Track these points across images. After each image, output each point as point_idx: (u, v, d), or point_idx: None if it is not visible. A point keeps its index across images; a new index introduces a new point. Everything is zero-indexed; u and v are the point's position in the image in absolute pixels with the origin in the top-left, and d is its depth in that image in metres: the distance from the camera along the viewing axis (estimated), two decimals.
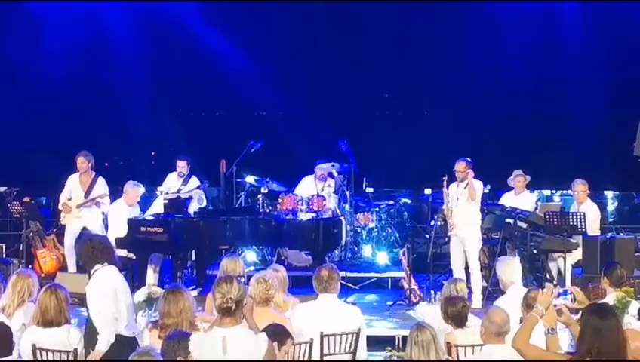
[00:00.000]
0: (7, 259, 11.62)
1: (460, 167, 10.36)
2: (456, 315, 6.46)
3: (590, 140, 13.35)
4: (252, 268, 11.14)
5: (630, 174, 12.56)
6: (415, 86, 14.08)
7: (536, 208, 11.17)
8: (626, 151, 10.63)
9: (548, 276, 10.53)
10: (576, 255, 10.46)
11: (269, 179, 12.51)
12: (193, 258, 11.42)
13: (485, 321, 5.72)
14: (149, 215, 11.06)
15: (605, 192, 14.93)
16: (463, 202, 10.42)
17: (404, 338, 6.99)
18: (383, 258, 12.33)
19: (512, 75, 13.62)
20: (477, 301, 10.03)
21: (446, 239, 10.98)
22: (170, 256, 11.00)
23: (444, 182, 10.47)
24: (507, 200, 11.19)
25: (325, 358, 6.53)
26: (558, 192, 14.46)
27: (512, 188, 11.25)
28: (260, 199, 12.25)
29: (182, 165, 11.52)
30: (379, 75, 14.16)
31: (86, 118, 14.06)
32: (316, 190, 11.92)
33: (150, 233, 10.49)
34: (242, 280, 5.78)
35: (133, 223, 10.54)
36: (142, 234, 10.48)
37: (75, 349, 6.30)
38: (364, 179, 12.78)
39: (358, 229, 12.62)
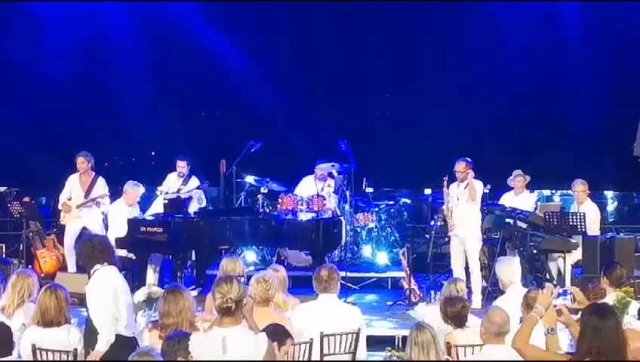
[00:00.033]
0: (7, 259, 11.62)
1: (460, 167, 10.36)
2: (455, 315, 6.46)
3: (590, 140, 13.34)
4: (252, 268, 11.15)
5: (630, 174, 12.56)
6: (415, 86, 14.07)
7: (536, 208, 11.18)
8: (626, 151, 10.63)
9: (548, 276, 10.53)
10: (576, 255, 10.47)
11: (269, 179, 12.51)
12: (193, 258, 11.42)
13: (485, 321, 5.73)
14: (149, 215, 11.06)
15: (605, 192, 14.93)
16: (463, 202, 10.42)
17: (404, 338, 6.98)
18: (382, 258, 12.33)
19: (512, 75, 13.61)
20: (477, 301, 10.03)
21: (446, 239, 10.98)
22: (170, 256, 11.01)
23: (445, 182, 10.46)
24: (507, 200, 11.19)
25: (325, 358, 6.53)
26: (558, 192, 14.46)
27: (512, 188, 11.25)
28: (260, 199, 12.25)
29: (182, 165, 11.53)
30: (379, 75, 14.15)
31: (86, 118, 14.05)
32: (316, 190, 11.92)
33: (150, 233, 10.49)
34: (242, 280, 5.78)
35: (133, 223, 10.55)
36: (142, 234, 10.48)
37: (75, 349, 6.30)
38: (364, 179, 12.78)
39: (358, 229, 12.62)
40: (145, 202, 11.55)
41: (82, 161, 11.25)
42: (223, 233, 10.61)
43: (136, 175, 11.61)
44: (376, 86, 14.33)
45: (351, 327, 6.63)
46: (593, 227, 10.58)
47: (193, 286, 10.39)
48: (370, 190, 13.18)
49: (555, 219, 10.40)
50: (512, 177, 11.24)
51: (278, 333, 5.45)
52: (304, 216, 10.80)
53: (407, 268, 10.54)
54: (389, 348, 6.50)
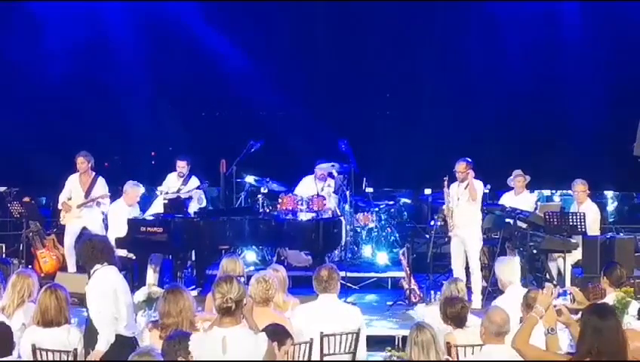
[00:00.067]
0: (7, 259, 11.62)
1: (460, 167, 10.36)
2: (455, 316, 6.45)
3: (590, 140, 13.34)
4: (252, 268, 11.15)
5: (630, 174, 12.56)
6: (415, 86, 14.07)
7: (536, 208, 11.18)
8: (626, 151, 10.63)
9: (548, 276, 10.54)
10: (576, 255, 10.47)
11: (269, 179, 12.51)
12: (193, 258, 11.42)
13: (485, 321, 5.72)
14: (149, 215, 11.06)
15: (605, 192, 14.93)
16: (463, 202, 10.42)
17: (404, 338, 6.99)
18: (382, 258, 12.33)
19: (512, 75, 13.61)
20: (477, 301, 10.04)
21: (446, 239, 10.98)
22: (170, 256, 11.01)
23: (445, 182, 10.46)
24: (507, 200, 11.19)
25: (325, 358, 6.53)
26: (558, 192, 14.46)
27: (512, 188, 11.25)
28: (260, 199, 12.25)
29: (182, 165, 11.53)
30: (379, 75, 14.15)
31: (86, 118, 14.05)
32: (316, 190, 11.92)
33: (150, 233, 10.49)
34: (242, 280, 5.78)
35: (133, 223, 10.55)
36: (142, 234, 10.48)
37: (75, 349, 6.30)
38: (364, 179, 12.78)
39: (358, 229, 12.62)
40: (145, 202, 11.55)
41: (82, 161, 11.25)
42: (223, 233, 10.61)
43: (136, 175, 11.61)
44: (377, 86, 14.32)
45: (351, 327, 6.63)
46: (593, 227, 10.58)
47: (193, 286, 10.39)
48: (370, 190, 13.18)
49: (555, 219, 10.40)
50: (512, 177, 11.24)
51: (278, 333, 5.45)
52: (304, 216, 10.80)
53: (407, 268, 10.54)
54: (389, 348, 6.50)
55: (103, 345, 6.38)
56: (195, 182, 11.58)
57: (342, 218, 11.55)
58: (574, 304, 6.25)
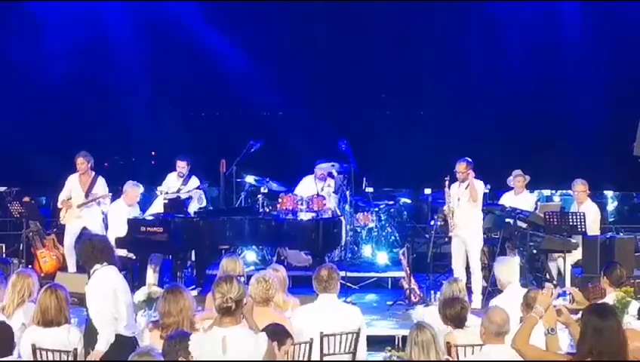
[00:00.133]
0: (7, 258, 11.59)
1: (460, 167, 10.35)
2: (455, 317, 6.44)
3: (590, 140, 13.35)
4: (252, 268, 11.14)
5: (630, 174, 12.56)
6: (415, 86, 14.08)
7: (536, 208, 11.18)
8: (626, 151, 10.62)
9: (548, 276, 10.54)
10: (576, 255, 10.46)
11: (269, 179, 12.51)
12: (193, 258, 11.41)
13: (485, 321, 5.72)
14: (149, 215, 11.05)
15: (605, 192, 14.93)
16: (464, 202, 10.41)
17: (404, 338, 6.98)
18: (382, 258, 12.33)
19: (512, 75, 13.62)
20: (477, 301, 10.03)
21: (446, 239, 10.98)
22: (170, 256, 11.00)
23: (446, 183, 10.46)
24: (507, 200, 11.19)
25: (325, 358, 6.53)
26: (558, 192, 14.46)
27: (512, 188, 11.25)
28: (260, 199, 12.24)
29: (182, 165, 11.52)
30: (379, 75, 14.16)
31: (86, 118, 14.06)
32: (316, 190, 11.92)
33: (150, 233, 10.49)
34: (242, 280, 5.77)
35: (133, 223, 10.54)
36: (142, 234, 10.48)
37: (75, 349, 6.30)
38: (364, 179, 12.78)
39: (358, 229, 12.62)
40: (145, 202, 11.55)
41: (82, 162, 11.25)
42: (223, 233, 10.60)
43: (136, 175, 11.61)
44: (377, 86, 14.34)
45: (351, 327, 6.63)
46: (593, 227, 10.57)
47: (193, 286, 10.38)
48: (370, 190, 13.18)
49: (555, 219, 10.40)
50: (511, 177, 11.24)
51: (278, 333, 5.45)
52: (304, 216, 10.80)
53: (407, 268, 10.53)
54: (389, 348, 6.49)
55: (102, 345, 6.38)
56: (195, 182, 11.58)
57: (342, 218, 11.54)
58: (573, 304, 6.25)
